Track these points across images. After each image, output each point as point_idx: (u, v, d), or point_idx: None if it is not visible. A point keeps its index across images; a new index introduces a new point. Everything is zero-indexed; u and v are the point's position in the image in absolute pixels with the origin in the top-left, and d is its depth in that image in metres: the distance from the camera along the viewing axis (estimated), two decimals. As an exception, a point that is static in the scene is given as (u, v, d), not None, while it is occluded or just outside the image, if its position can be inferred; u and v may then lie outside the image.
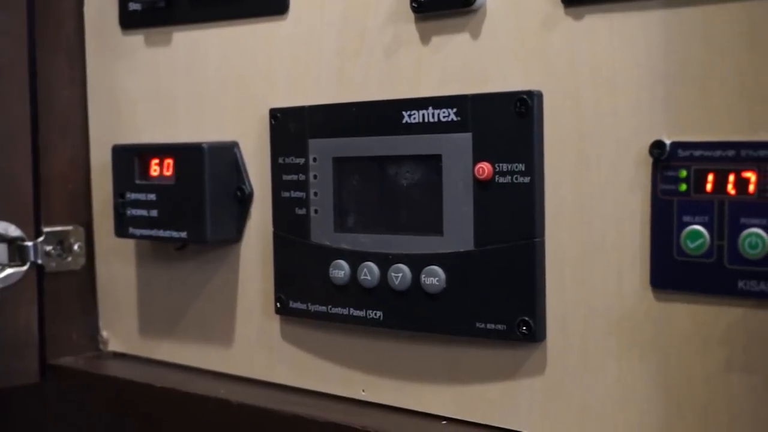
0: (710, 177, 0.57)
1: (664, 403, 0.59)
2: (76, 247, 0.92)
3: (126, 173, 0.84)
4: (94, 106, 0.92)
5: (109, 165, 0.86)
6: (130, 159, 0.84)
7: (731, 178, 0.56)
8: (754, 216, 0.55)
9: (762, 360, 0.56)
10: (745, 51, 0.55)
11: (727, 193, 0.56)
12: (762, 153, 0.55)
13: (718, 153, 0.57)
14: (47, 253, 0.90)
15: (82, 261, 0.93)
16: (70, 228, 0.92)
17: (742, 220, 0.56)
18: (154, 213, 0.82)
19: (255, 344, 0.81)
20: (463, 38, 0.67)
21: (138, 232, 0.83)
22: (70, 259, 0.92)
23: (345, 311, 0.73)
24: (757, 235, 0.55)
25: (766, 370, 0.56)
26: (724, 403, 0.57)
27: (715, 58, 0.56)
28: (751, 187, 0.55)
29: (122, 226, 0.85)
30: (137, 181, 0.83)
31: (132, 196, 0.83)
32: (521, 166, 0.63)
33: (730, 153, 0.56)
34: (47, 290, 0.91)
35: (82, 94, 0.92)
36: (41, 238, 0.90)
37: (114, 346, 0.93)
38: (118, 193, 0.85)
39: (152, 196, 0.82)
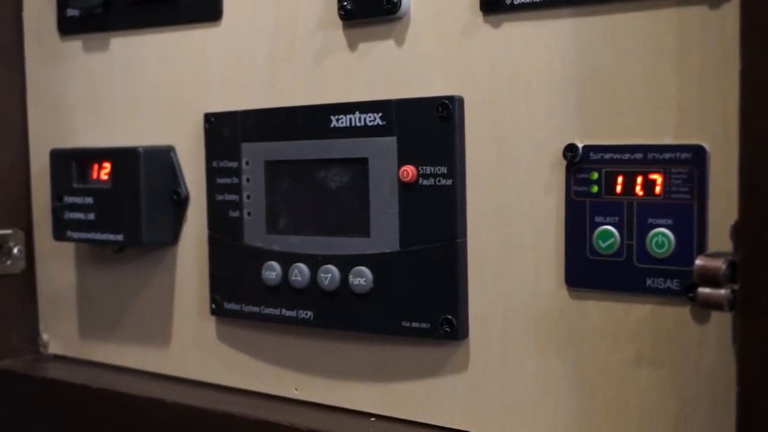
0: (620, 179, 0.59)
1: (579, 397, 0.61)
2: (15, 250, 0.92)
3: (64, 177, 0.85)
4: (34, 111, 0.92)
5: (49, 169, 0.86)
6: (67, 163, 0.85)
7: (639, 180, 0.59)
8: (661, 216, 0.58)
9: (668, 354, 0.58)
10: (650, 58, 0.58)
11: (636, 195, 0.59)
12: (667, 156, 0.57)
13: (626, 156, 0.59)
14: (-14, 257, 0.90)
15: (22, 264, 0.93)
16: (9, 232, 0.92)
17: (650, 220, 0.58)
18: (91, 216, 0.83)
19: (191, 345, 0.82)
20: (388, 45, 0.69)
21: (76, 235, 0.84)
22: (9, 262, 0.92)
23: (277, 312, 0.74)
24: (664, 235, 0.58)
25: (673, 364, 0.58)
26: (635, 395, 0.59)
27: (623, 65, 0.59)
28: (658, 189, 0.58)
29: (60, 230, 0.85)
30: (75, 185, 0.84)
31: (70, 199, 0.84)
32: (444, 169, 0.65)
33: (638, 156, 0.58)
34: (-14, 294, 0.91)
35: (21, 100, 0.93)
36: (-20, 242, 0.90)
37: (54, 348, 0.93)
38: (56, 196, 0.85)
39: (89, 200, 0.83)
